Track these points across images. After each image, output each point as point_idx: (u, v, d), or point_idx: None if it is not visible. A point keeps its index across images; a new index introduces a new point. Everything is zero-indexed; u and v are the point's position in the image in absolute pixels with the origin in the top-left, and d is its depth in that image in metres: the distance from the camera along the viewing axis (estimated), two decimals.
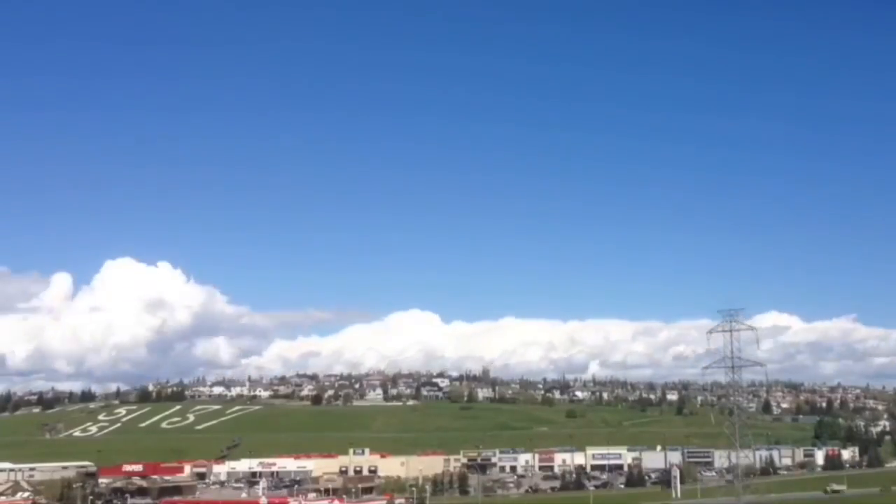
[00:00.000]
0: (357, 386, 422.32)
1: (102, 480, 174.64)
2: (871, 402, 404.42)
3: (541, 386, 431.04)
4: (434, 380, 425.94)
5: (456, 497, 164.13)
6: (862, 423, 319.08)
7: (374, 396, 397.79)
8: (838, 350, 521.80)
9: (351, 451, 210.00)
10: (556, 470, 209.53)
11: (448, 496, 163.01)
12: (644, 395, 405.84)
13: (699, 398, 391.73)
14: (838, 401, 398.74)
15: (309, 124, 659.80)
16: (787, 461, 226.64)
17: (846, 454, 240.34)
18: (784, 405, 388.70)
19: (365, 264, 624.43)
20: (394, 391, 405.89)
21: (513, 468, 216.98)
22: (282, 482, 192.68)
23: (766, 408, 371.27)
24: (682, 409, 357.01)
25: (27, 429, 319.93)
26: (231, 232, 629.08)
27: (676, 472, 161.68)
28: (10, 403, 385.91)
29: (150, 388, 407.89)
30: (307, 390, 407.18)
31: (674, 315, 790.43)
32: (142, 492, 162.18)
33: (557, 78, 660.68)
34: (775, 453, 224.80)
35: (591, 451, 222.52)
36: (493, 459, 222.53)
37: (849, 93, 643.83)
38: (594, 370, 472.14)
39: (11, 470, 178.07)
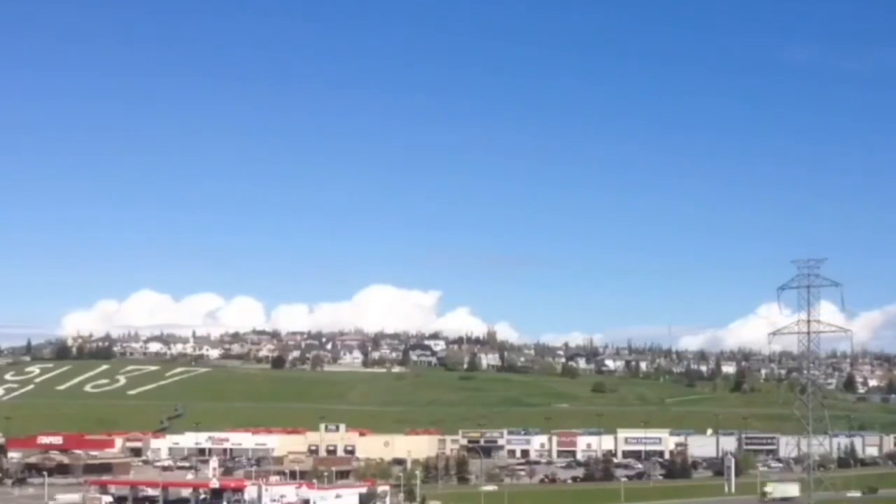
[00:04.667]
0: (329, 347, 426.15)
1: (12, 455, 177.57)
2: None
3: (561, 353, 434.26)
4: (426, 342, 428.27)
5: (453, 485, 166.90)
6: None
7: (351, 360, 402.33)
8: None
9: (322, 426, 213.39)
10: (580, 456, 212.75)
11: (443, 484, 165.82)
12: (693, 367, 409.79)
13: (763, 371, 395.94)
14: None
15: None
16: (872, 450, 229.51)
17: None
18: (872, 382, 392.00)
19: None
20: (375, 354, 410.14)
21: (524, 453, 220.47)
22: (236, 461, 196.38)
23: (850, 384, 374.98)
24: (740, 384, 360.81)
25: None
26: None
27: (731, 462, 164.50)
28: None
29: (70, 342, 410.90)
30: (266, 350, 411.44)
31: None
32: (62, 469, 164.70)
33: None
34: (858, 440, 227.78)
35: (623, 434, 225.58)
36: (500, 441, 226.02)
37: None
38: (630, 335, 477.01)
39: None
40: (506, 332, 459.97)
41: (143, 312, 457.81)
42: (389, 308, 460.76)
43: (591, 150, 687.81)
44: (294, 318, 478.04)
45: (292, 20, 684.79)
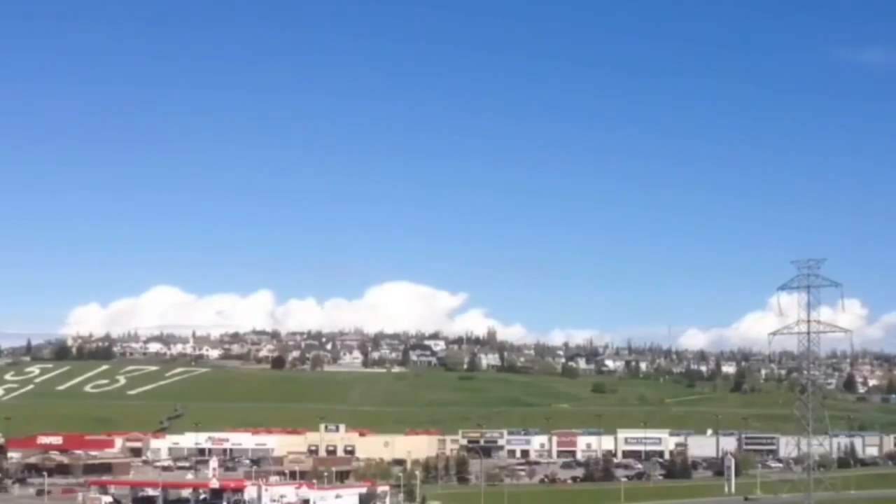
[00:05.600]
0: (329, 347, 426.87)
1: (12, 455, 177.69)
2: None
3: (561, 353, 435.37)
4: (426, 342, 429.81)
5: (453, 485, 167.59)
6: None
7: (351, 360, 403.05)
8: None
9: (322, 426, 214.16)
10: (580, 456, 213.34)
11: (443, 484, 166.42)
12: (693, 367, 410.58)
13: (763, 371, 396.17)
14: None
15: None
16: (872, 450, 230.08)
17: None
18: (872, 382, 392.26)
19: None
20: (375, 355, 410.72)
21: (524, 453, 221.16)
22: (236, 461, 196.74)
23: (850, 385, 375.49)
24: (740, 384, 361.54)
25: None
26: None
27: (731, 462, 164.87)
28: None
29: (70, 342, 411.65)
30: (266, 350, 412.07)
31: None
32: (62, 469, 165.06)
33: None
34: (858, 441, 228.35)
35: (623, 434, 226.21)
36: (500, 442, 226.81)
37: None
38: (629, 334, 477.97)
39: None
40: (518, 333, 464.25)
41: (154, 310, 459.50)
42: (404, 307, 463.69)
43: (593, 154, 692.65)
44: (304, 316, 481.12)
45: (310, 24, 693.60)
